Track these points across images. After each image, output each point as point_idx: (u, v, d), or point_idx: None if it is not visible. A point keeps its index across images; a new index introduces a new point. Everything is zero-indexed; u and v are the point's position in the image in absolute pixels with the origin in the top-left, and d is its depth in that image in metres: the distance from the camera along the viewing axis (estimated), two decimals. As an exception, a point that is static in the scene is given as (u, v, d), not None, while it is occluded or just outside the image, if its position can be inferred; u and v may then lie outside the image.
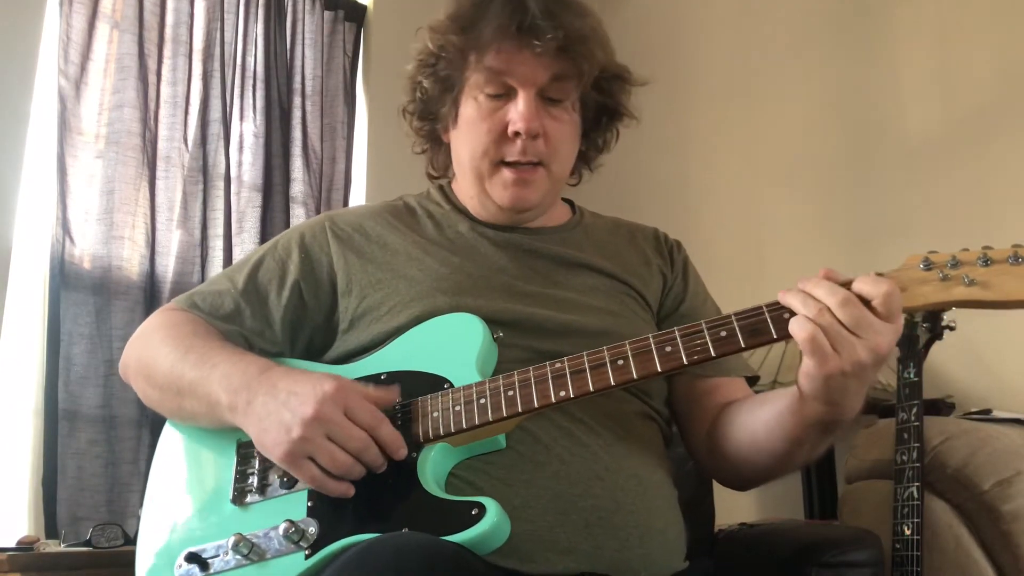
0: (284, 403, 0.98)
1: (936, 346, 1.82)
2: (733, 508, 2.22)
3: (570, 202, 1.37)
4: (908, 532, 1.67)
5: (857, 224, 2.69)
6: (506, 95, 1.16)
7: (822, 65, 2.87)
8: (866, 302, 0.88)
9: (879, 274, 0.91)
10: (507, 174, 1.18)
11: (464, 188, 1.27)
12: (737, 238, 2.91)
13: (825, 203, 2.78)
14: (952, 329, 1.78)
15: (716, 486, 1.81)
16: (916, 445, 1.72)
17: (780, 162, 2.92)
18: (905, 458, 1.73)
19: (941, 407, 2.16)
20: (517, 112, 1.15)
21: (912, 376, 1.79)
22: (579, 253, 1.23)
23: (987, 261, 0.89)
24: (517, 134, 1.15)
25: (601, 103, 1.25)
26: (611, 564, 0.99)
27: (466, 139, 1.20)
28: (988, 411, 2.10)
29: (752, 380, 1.24)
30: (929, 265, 0.92)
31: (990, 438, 1.86)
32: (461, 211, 1.27)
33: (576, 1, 1.18)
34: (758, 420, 1.07)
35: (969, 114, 2.52)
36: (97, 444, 2.14)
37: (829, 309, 0.88)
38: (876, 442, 1.96)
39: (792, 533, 1.49)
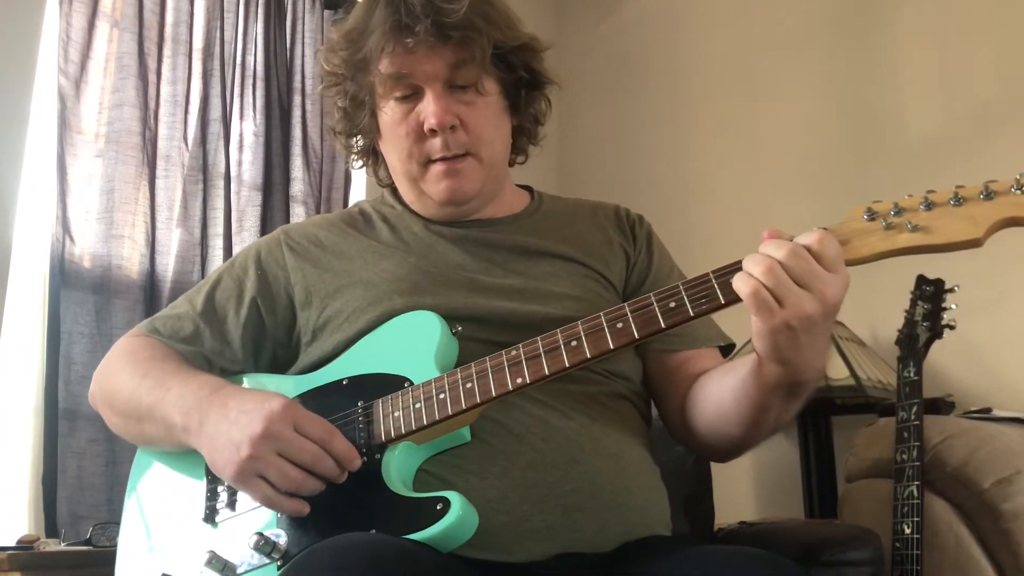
0: (234, 422, 0.98)
1: (936, 345, 1.82)
2: (733, 507, 2.22)
3: (529, 188, 1.36)
4: (908, 531, 1.67)
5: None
6: (415, 95, 1.16)
7: (823, 64, 2.87)
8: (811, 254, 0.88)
9: (822, 228, 0.91)
10: (438, 167, 1.17)
11: (404, 192, 1.28)
12: (737, 237, 2.90)
13: (825, 202, 2.78)
14: (952, 328, 1.78)
15: (715, 485, 1.81)
16: (916, 444, 1.72)
17: (780, 161, 2.92)
18: (905, 457, 1.73)
19: (941, 406, 2.16)
20: (428, 109, 1.14)
21: (912, 375, 1.79)
22: (538, 240, 1.23)
23: (929, 205, 0.89)
24: (433, 131, 1.15)
25: (518, 77, 1.23)
26: (592, 543, 1.00)
27: (391, 146, 1.22)
28: (988, 410, 2.10)
29: (728, 349, 1.24)
30: (872, 215, 0.91)
31: (990, 437, 1.86)
32: (414, 212, 1.27)
33: None
34: (724, 389, 1.08)
35: (970, 112, 2.52)
36: (97, 443, 2.14)
37: (780, 263, 0.87)
38: (876, 441, 1.96)
39: (792, 532, 1.49)
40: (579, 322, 0.98)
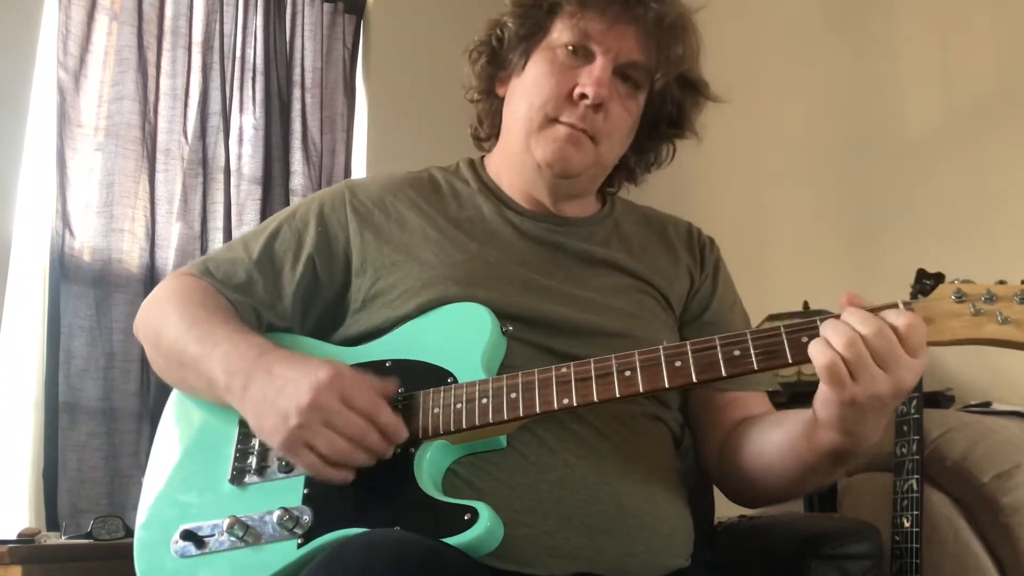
0: (280, 390, 0.97)
1: (936, 339, 1.82)
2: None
3: (601, 190, 1.31)
4: (907, 524, 1.67)
5: (858, 217, 2.69)
6: (584, 57, 1.13)
7: (823, 59, 2.86)
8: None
9: (907, 304, 0.87)
10: (561, 129, 1.13)
11: (505, 149, 1.23)
12: (738, 232, 2.91)
13: (826, 196, 2.78)
14: (952, 322, 1.78)
15: (716, 479, 1.81)
16: (916, 438, 1.72)
17: (781, 156, 2.92)
18: (905, 451, 1.73)
19: (941, 400, 2.16)
20: (591, 76, 1.11)
21: (912, 369, 1.79)
22: (604, 249, 1.19)
23: None
24: (583, 96, 1.11)
25: (667, 110, 1.21)
26: (613, 568, 0.98)
27: (529, 90, 1.17)
28: (988, 404, 2.10)
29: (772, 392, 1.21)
30: (961, 297, 0.86)
31: (990, 431, 1.86)
32: (490, 190, 1.23)
33: (687, 1, 1.18)
34: (771, 442, 1.04)
35: (970, 107, 2.52)
36: (97, 437, 2.15)
37: (864, 338, 0.83)
38: (876, 435, 1.96)
39: (792, 525, 1.49)
40: (636, 352, 0.94)
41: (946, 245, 2.35)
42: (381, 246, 1.16)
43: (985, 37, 2.52)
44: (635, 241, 1.24)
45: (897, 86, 2.68)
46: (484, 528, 0.90)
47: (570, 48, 1.14)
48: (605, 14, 1.12)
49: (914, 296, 1.84)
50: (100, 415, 2.15)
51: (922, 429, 1.74)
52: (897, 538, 1.68)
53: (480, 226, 1.19)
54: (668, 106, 1.21)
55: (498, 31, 1.21)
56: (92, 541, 1.77)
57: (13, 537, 1.76)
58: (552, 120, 1.14)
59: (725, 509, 1.80)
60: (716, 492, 1.78)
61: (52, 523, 2.01)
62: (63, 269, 2.15)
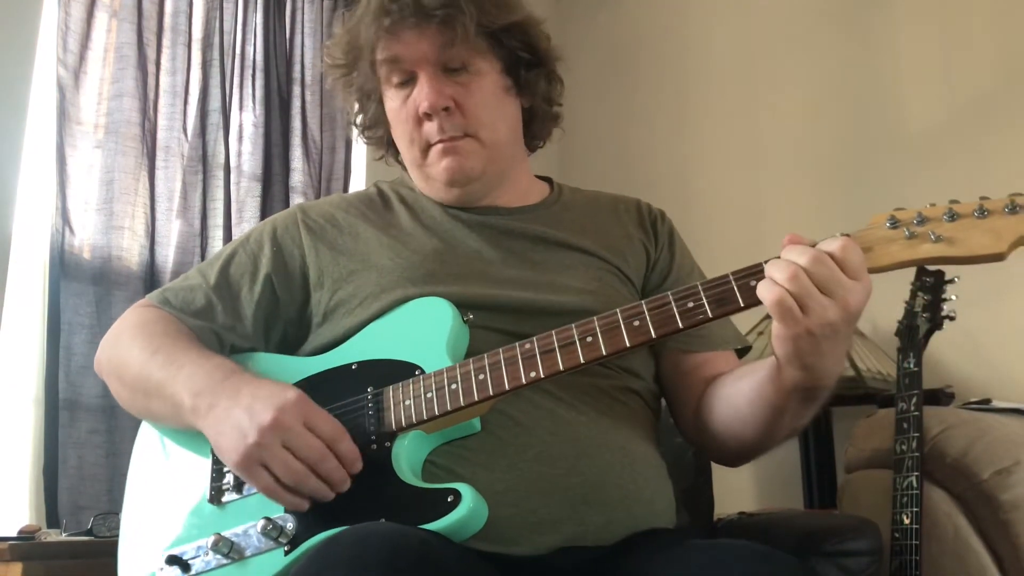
0: (246, 409, 0.98)
1: (936, 336, 1.82)
2: (732, 497, 2.22)
3: (549, 180, 1.35)
4: (907, 521, 1.67)
5: (857, 210, 2.67)
6: (412, 80, 1.17)
7: (823, 50, 2.86)
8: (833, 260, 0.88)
9: (844, 235, 0.91)
10: (437, 147, 1.18)
11: (415, 179, 1.28)
12: (737, 224, 2.91)
13: (826, 189, 2.78)
14: (952, 319, 1.78)
15: (715, 476, 1.81)
16: (915, 435, 1.73)
17: (781, 148, 2.92)
18: (904, 448, 1.74)
19: (940, 397, 2.16)
20: (420, 93, 1.15)
21: (912, 366, 1.79)
22: (556, 232, 1.22)
23: (953, 216, 0.88)
24: (428, 115, 1.15)
25: (516, 56, 1.22)
26: (596, 537, 1.00)
27: (397, 133, 1.23)
28: (987, 401, 2.10)
29: (744, 351, 1.24)
30: (895, 223, 0.91)
31: (989, 428, 1.86)
32: (429, 197, 1.26)
33: None
34: (740, 392, 1.07)
35: (971, 100, 2.52)
36: (98, 434, 2.15)
37: (804, 269, 0.86)
38: (875, 432, 1.97)
39: (792, 522, 1.49)
40: (595, 318, 0.97)
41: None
42: (336, 257, 1.19)
43: (986, 31, 2.52)
44: (587, 221, 1.26)
45: (898, 80, 2.67)
46: (468, 508, 0.91)
47: (396, 83, 1.19)
48: (393, 37, 1.15)
49: (914, 294, 1.84)
50: (100, 412, 2.15)
51: (922, 426, 1.74)
52: (897, 535, 1.68)
53: (433, 227, 1.22)
54: (514, 52, 1.21)
55: (356, 107, 1.27)
56: (92, 538, 1.77)
57: (13, 534, 1.76)
58: (427, 146, 1.18)
59: (725, 506, 1.81)
60: (715, 490, 1.78)
61: (52, 520, 2.01)
62: (63, 266, 2.15)
